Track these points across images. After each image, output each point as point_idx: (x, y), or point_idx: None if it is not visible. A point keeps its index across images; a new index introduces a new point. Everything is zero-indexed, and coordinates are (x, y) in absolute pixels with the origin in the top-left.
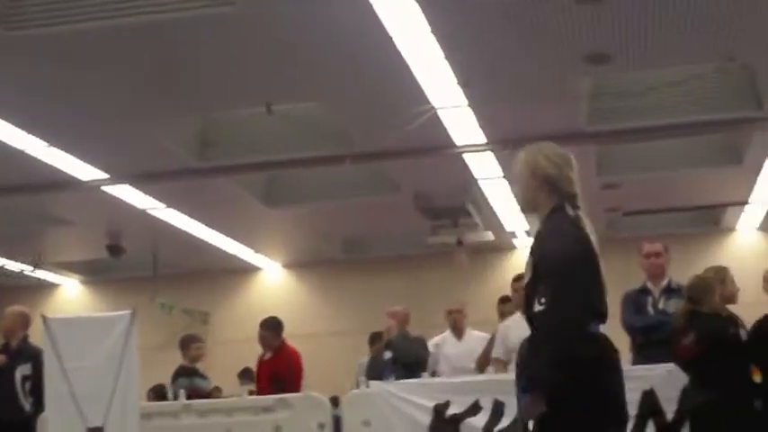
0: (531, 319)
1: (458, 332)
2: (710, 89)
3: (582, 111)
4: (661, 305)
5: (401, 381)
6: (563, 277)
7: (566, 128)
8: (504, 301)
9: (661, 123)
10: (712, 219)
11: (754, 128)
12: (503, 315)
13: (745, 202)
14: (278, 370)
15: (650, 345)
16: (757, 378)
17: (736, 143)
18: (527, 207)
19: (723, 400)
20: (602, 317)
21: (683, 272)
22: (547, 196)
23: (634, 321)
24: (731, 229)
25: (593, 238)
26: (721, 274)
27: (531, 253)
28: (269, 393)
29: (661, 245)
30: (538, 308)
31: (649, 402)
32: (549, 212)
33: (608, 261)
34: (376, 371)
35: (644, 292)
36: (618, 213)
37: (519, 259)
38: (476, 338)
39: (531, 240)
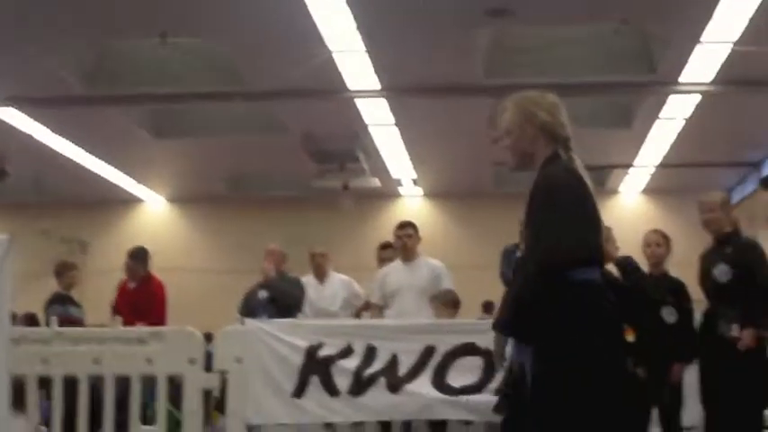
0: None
1: (320, 276)
2: (606, 51)
3: (479, 64)
4: None
5: (275, 320)
6: (549, 225)
7: (462, 80)
8: (384, 247)
9: (554, 82)
10: (598, 180)
11: (646, 92)
12: (382, 261)
13: (631, 165)
14: (139, 300)
15: None
16: (630, 338)
17: (627, 106)
18: (522, 161)
19: None
20: (593, 263)
21: None
22: (544, 145)
23: (512, 275)
24: (615, 191)
25: (587, 180)
26: (605, 234)
27: (529, 198)
28: (131, 323)
29: None
30: (518, 254)
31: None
32: (545, 162)
33: (494, 214)
34: (250, 309)
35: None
36: (506, 167)
37: (404, 207)
38: (338, 282)
39: (417, 190)
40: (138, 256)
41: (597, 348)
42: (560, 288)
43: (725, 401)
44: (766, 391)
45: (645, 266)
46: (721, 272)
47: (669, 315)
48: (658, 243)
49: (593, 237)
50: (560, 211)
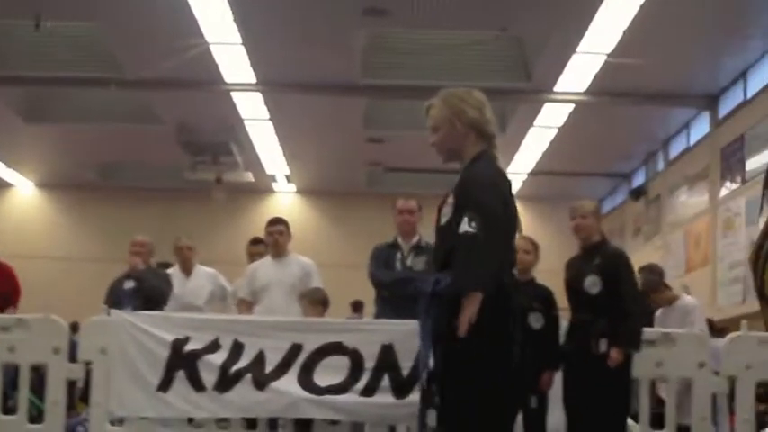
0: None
1: (186, 269)
2: (483, 57)
3: (356, 63)
4: (409, 262)
5: (143, 312)
6: (487, 221)
7: (338, 78)
8: (254, 242)
9: (432, 84)
10: None
11: (521, 99)
12: (252, 256)
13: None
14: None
15: (395, 300)
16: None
17: (502, 112)
18: (450, 157)
19: None
20: (509, 263)
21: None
22: (473, 142)
23: (381, 275)
24: None
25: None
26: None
27: (455, 194)
28: None
29: (415, 202)
30: (466, 228)
31: (387, 356)
32: (477, 155)
33: (366, 214)
34: (116, 299)
35: (394, 247)
36: (380, 168)
37: (277, 202)
38: (204, 275)
39: (290, 186)
40: None
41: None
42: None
43: (589, 413)
44: (629, 404)
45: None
46: (591, 283)
47: (536, 321)
48: (527, 250)
49: (510, 240)
50: (488, 214)
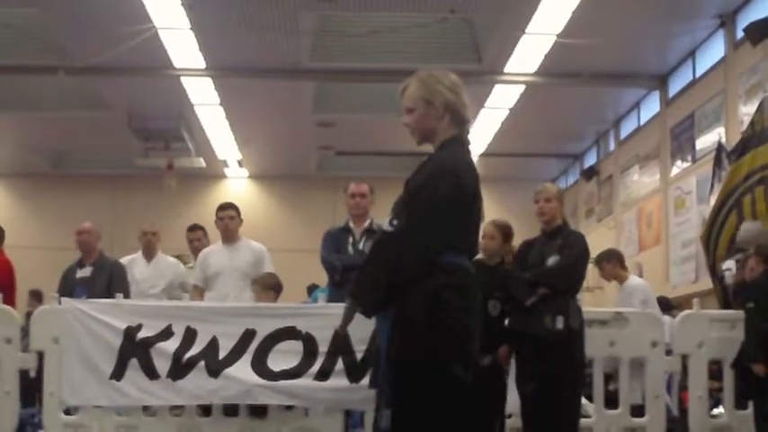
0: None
1: (149, 255)
2: (433, 39)
3: (305, 47)
4: (361, 245)
5: (93, 300)
6: (427, 209)
7: (287, 62)
8: (192, 229)
9: (381, 67)
10: None
11: (472, 81)
12: (190, 242)
13: None
14: None
15: (348, 283)
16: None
17: None
18: (423, 138)
19: None
20: (462, 249)
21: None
22: (447, 125)
23: (333, 259)
24: None
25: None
26: None
27: (415, 172)
28: None
29: (367, 186)
30: (387, 227)
31: (341, 340)
32: (449, 139)
33: (318, 198)
34: (68, 287)
35: (346, 231)
36: (330, 152)
37: (229, 188)
38: (165, 264)
39: (242, 171)
40: None
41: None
42: (427, 270)
43: (542, 392)
44: (582, 383)
45: None
46: (554, 263)
47: (493, 308)
48: (492, 236)
49: (465, 225)
50: (441, 199)
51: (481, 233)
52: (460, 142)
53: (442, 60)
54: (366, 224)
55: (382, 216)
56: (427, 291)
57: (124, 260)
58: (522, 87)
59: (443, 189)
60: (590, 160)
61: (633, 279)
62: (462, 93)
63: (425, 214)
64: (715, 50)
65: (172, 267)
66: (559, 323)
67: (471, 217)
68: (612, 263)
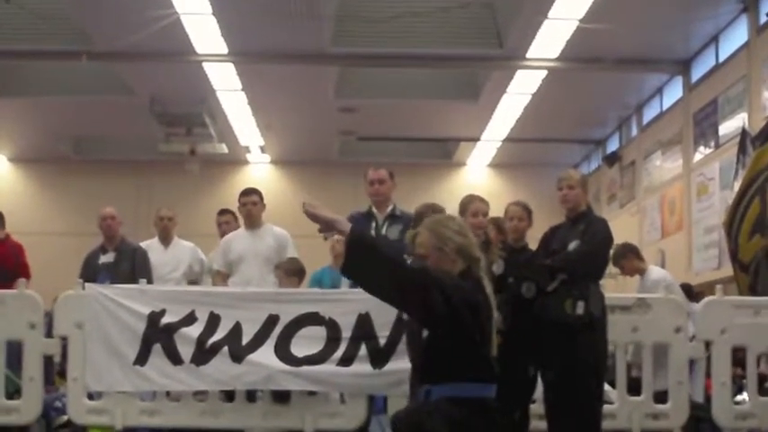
0: None
1: (166, 240)
2: (454, 24)
3: (327, 32)
4: (384, 231)
5: (117, 285)
6: None
7: (309, 47)
8: (221, 213)
9: (403, 52)
10: (445, 152)
11: (494, 66)
12: (219, 226)
13: (478, 139)
14: (3, 262)
15: None
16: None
17: (475, 80)
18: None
19: None
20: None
21: (412, 201)
22: (461, 264)
23: None
24: (462, 164)
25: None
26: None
27: None
28: None
29: (385, 171)
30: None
31: (364, 326)
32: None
33: (340, 184)
34: (91, 273)
35: (368, 216)
36: (352, 137)
37: (251, 173)
38: (183, 248)
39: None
40: None
41: None
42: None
43: (565, 377)
44: (605, 368)
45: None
46: (576, 248)
47: (528, 291)
48: (521, 217)
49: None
50: None
51: (509, 215)
52: (467, 275)
53: (464, 46)
54: (389, 210)
55: (404, 201)
56: None
57: (142, 245)
58: (544, 73)
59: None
60: (612, 146)
61: (653, 270)
62: (469, 234)
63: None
64: (738, 35)
65: (189, 251)
66: (580, 308)
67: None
68: (629, 258)
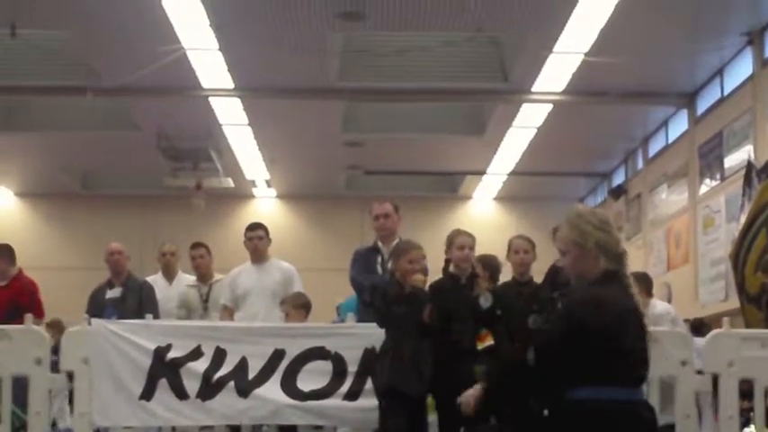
0: None
1: (169, 275)
2: (460, 58)
3: (333, 66)
4: (390, 265)
5: (123, 320)
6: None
7: (315, 82)
8: (195, 246)
9: (409, 87)
10: (451, 185)
11: (499, 100)
12: (193, 259)
13: (484, 173)
14: (17, 299)
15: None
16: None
17: (480, 113)
18: (580, 277)
19: None
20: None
21: (419, 234)
22: (602, 263)
23: (362, 279)
24: (468, 197)
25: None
26: (450, 238)
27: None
28: (6, 323)
29: (390, 205)
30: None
31: (370, 360)
32: (600, 277)
33: (347, 217)
34: (97, 308)
35: (374, 251)
36: (359, 171)
37: (257, 207)
38: (186, 282)
39: (270, 191)
40: (6, 254)
41: None
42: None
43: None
44: None
45: (508, 273)
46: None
47: (534, 323)
48: (526, 250)
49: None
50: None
51: (514, 248)
52: (610, 277)
53: (470, 80)
54: (394, 243)
55: (409, 233)
56: None
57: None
58: (549, 106)
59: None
60: (618, 179)
61: (657, 305)
62: (612, 229)
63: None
64: (743, 68)
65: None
66: None
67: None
68: (640, 287)
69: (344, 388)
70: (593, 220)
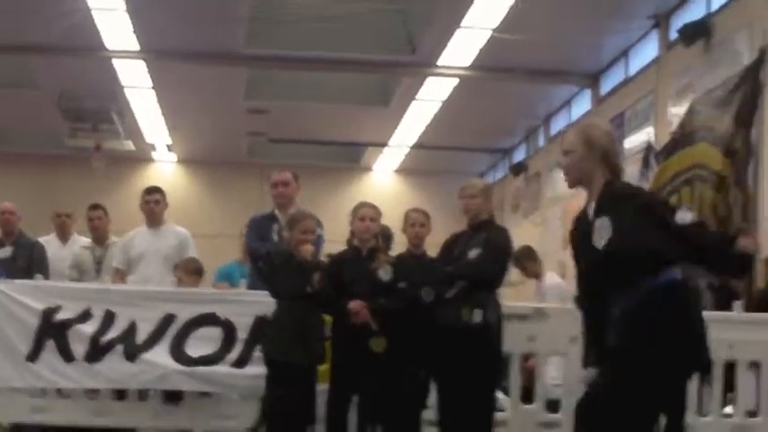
0: None
1: (64, 237)
2: (368, 29)
3: (240, 33)
4: (285, 233)
5: (12, 280)
6: None
7: (221, 47)
8: (93, 207)
9: (315, 55)
10: (353, 156)
11: (405, 72)
12: (90, 221)
13: (386, 144)
14: None
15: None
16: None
17: (386, 85)
18: (578, 180)
19: None
20: None
21: (319, 204)
22: (602, 171)
23: (257, 246)
24: (369, 169)
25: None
26: (354, 210)
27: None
28: None
29: (290, 174)
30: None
31: (261, 328)
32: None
33: (247, 185)
34: None
35: (271, 218)
36: (262, 138)
37: (157, 172)
38: (81, 244)
39: (171, 156)
40: None
41: None
42: None
43: (458, 384)
44: (499, 377)
45: (403, 245)
46: (476, 256)
47: (427, 295)
48: (422, 223)
49: None
50: None
51: (410, 221)
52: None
53: (377, 51)
54: (291, 212)
55: (311, 203)
56: None
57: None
58: (455, 81)
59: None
60: (519, 156)
61: (550, 276)
62: (615, 143)
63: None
64: (648, 50)
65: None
66: (477, 316)
67: None
68: (533, 259)
69: (233, 355)
70: (602, 129)
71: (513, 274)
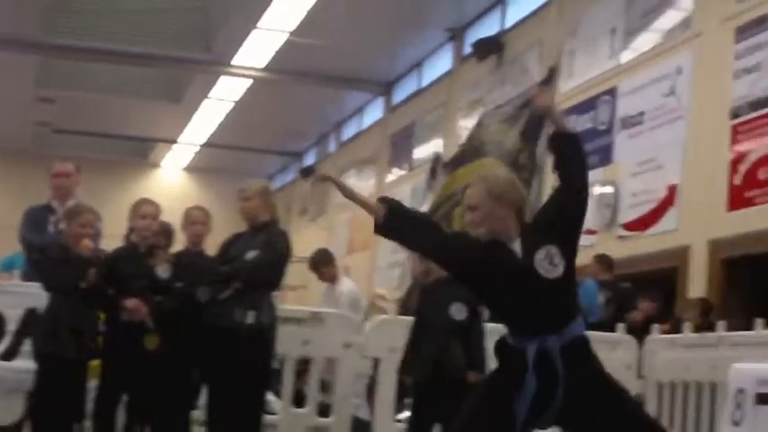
0: None
1: None
2: (165, 24)
3: (35, 19)
4: (62, 225)
5: None
6: None
7: (13, 33)
8: None
9: (109, 48)
10: (141, 152)
11: (199, 70)
12: None
13: (175, 141)
14: None
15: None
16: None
17: (179, 82)
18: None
19: None
20: None
21: (104, 198)
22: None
23: (32, 238)
24: (157, 165)
25: None
26: (134, 207)
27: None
28: None
29: (72, 165)
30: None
31: (32, 321)
32: None
33: (29, 175)
34: None
35: (48, 209)
36: (48, 129)
37: None
38: None
39: None
40: None
41: None
42: None
43: (227, 385)
44: (269, 379)
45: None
46: (253, 258)
47: (203, 295)
48: (203, 222)
49: None
50: None
51: (190, 219)
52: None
53: (171, 47)
54: (69, 204)
55: (95, 198)
56: None
57: None
58: (249, 81)
59: None
60: (309, 159)
61: (345, 281)
62: (517, 187)
63: None
64: (442, 63)
65: None
66: (250, 318)
67: None
68: (332, 264)
69: (1, 347)
70: (504, 178)
71: (294, 277)
